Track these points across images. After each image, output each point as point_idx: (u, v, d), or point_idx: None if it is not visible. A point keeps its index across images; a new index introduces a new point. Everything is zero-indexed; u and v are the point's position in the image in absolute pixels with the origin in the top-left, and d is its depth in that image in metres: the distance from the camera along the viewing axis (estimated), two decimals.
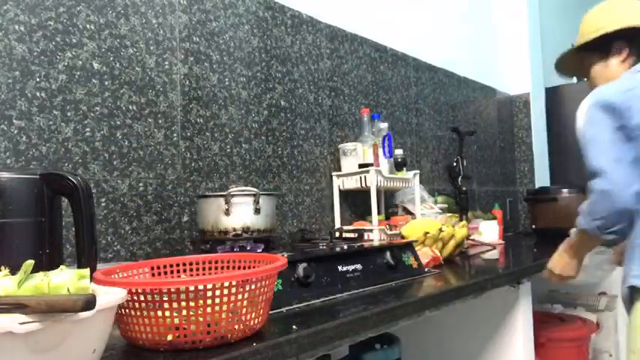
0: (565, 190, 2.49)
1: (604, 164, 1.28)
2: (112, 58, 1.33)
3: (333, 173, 1.96)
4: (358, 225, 1.89)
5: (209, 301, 0.73)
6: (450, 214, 2.22)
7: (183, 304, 0.73)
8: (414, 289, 1.22)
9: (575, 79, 3.04)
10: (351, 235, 1.59)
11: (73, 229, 0.88)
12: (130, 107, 1.36)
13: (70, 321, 0.52)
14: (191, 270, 0.96)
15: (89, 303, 0.51)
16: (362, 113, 1.96)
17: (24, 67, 1.16)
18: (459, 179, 2.46)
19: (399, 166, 2.03)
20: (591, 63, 1.56)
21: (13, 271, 0.59)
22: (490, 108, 3.17)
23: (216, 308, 0.74)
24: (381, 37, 2.30)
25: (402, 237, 1.70)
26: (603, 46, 1.51)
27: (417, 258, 1.41)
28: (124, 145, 1.34)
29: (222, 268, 0.96)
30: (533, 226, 2.61)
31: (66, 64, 1.24)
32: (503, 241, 2.35)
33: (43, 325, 0.50)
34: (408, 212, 2.07)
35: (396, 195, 2.16)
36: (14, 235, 0.82)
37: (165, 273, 0.94)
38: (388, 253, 1.30)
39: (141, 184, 1.37)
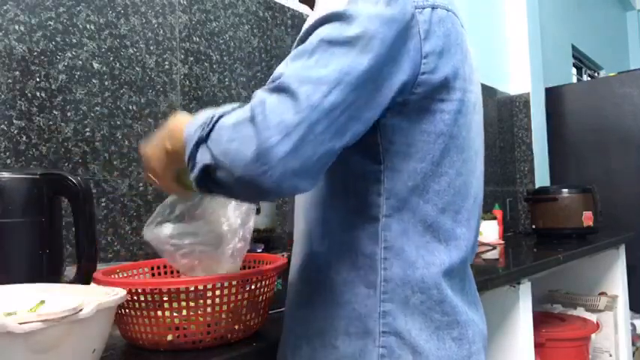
0: (565, 190, 2.49)
1: None
2: (112, 58, 1.33)
3: None
4: None
5: (209, 301, 0.73)
6: None
7: (183, 304, 0.73)
8: None
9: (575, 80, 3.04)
10: None
11: (73, 229, 0.88)
12: (130, 107, 1.36)
13: (70, 321, 0.52)
14: None
15: None
16: None
17: (24, 67, 1.16)
18: None
19: None
20: None
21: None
22: (490, 108, 3.16)
23: (216, 308, 0.74)
24: None
25: None
26: None
27: None
28: (124, 145, 1.34)
29: None
30: (533, 226, 2.61)
31: (66, 64, 1.24)
32: (503, 241, 2.34)
33: (43, 325, 0.50)
34: None
35: None
36: (14, 235, 0.82)
37: (166, 273, 0.94)
38: None
39: (141, 184, 1.37)
